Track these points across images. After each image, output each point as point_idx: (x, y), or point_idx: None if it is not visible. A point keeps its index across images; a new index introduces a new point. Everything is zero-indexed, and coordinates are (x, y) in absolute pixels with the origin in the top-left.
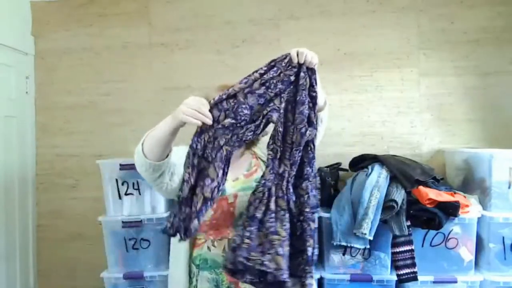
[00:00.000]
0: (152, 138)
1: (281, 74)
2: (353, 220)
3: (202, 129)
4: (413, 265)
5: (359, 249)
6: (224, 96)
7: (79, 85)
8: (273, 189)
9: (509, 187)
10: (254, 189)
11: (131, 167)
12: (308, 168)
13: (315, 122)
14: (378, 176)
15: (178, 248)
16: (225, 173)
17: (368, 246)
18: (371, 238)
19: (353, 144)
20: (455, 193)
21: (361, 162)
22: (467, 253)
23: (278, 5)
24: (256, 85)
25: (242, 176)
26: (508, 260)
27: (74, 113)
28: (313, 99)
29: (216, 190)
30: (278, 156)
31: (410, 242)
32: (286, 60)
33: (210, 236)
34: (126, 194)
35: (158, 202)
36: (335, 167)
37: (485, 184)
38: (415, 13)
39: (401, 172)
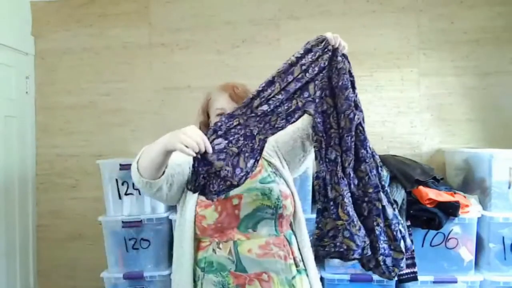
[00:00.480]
0: (146, 158)
1: (319, 58)
2: None
3: (234, 114)
4: (413, 265)
5: None
6: (263, 85)
7: (79, 85)
8: (328, 177)
9: (509, 187)
10: (261, 191)
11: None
12: (363, 150)
13: (359, 105)
14: None
15: (182, 251)
16: (256, 162)
17: None
18: None
19: None
20: (455, 193)
21: None
22: (467, 253)
23: (278, 5)
24: (293, 69)
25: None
26: (508, 260)
27: (74, 113)
28: (352, 83)
29: (243, 178)
30: (323, 146)
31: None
32: (322, 44)
33: (215, 239)
34: (126, 194)
35: (158, 202)
36: None
37: (485, 184)
38: (415, 13)
39: (401, 172)
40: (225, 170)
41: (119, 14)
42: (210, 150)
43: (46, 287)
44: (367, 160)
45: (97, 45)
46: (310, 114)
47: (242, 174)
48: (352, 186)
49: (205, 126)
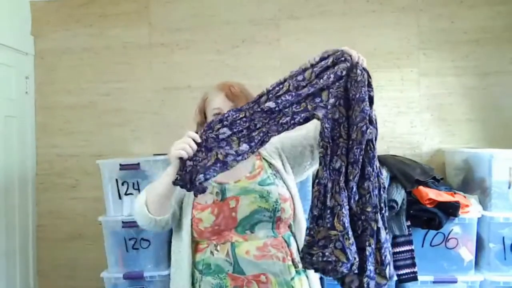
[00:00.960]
0: (153, 194)
1: (335, 66)
2: None
3: (242, 108)
4: (413, 265)
5: None
6: (274, 84)
7: (79, 85)
8: (329, 185)
9: (509, 187)
10: (260, 195)
11: (131, 167)
12: (369, 168)
13: (374, 121)
14: None
15: (180, 255)
16: (250, 152)
17: None
18: None
19: None
20: (455, 193)
21: None
22: (467, 253)
23: (278, 5)
24: (307, 74)
25: (245, 177)
26: (508, 260)
27: (74, 113)
28: (370, 98)
29: (231, 158)
30: (328, 152)
31: (410, 242)
32: (339, 54)
33: (213, 241)
34: (126, 194)
35: None
36: None
37: (485, 184)
38: (415, 13)
39: (401, 172)
40: (220, 153)
41: (119, 14)
42: (198, 140)
43: (46, 287)
44: (371, 179)
45: (97, 45)
46: (318, 118)
47: (231, 157)
48: (352, 201)
49: (202, 126)
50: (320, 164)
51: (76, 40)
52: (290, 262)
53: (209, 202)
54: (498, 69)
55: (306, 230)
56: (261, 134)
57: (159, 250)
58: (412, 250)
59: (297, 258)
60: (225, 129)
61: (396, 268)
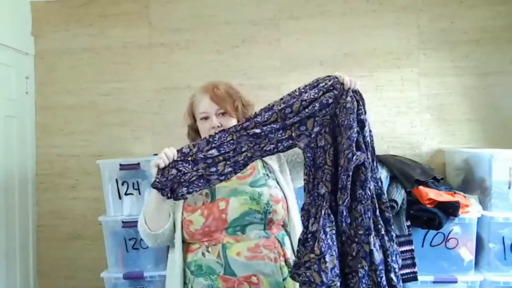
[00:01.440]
0: (148, 211)
1: (322, 96)
2: None
3: (230, 130)
4: (413, 265)
5: None
6: (263, 112)
7: (79, 85)
8: (313, 210)
9: (509, 187)
10: (249, 195)
11: (131, 167)
12: (361, 191)
13: (363, 146)
14: None
15: (173, 256)
16: (233, 174)
17: None
18: None
19: None
20: (455, 193)
21: None
22: (467, 253)
23: (278, 5)
24: (295, 107)
25: (236, 177)
26: (508, 260)
27: (74, 113)
28: (360, 121)
29: (215, 177)
30: (311, 180)
31: (410, 242)
32: (330, 83)
33: (204, 242)
34: (126, 194)
35: None
36: None
37: (485, 184)
38: (415, 13)
39: (401, 172)
40: (205, 172)
41: (119, 14)
42: (175, 157)
43: (46, 287)
44: (363, 202)
45: (97, 45)
46: (300, 148)
47: (215, 176)
48: (344, 224)
49: (192, 129)
50: (304, 190)
51: (76, 40)
52: (283, 263)
53: (198, 204)
54: (498, 69)
55: (296, 252)
56: (245, 159)
57: (159, 250)
58: (412, 250)
59: (291, 257)
60: (213, 150)
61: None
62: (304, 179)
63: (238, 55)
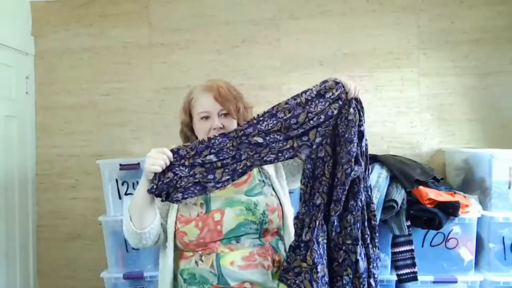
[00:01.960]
0: (135, 207)
1: (327, 107)
2: None
3: (230, 136)
4: (413, 265)
5: None
6: (265, 115)
7: (79, 85)
8: (307, 220)
9: (509, 187)
10: (245, 205)
11: (131, 167)
12: (353, 202)
13: (361, 160)
14: (378, 176)
15: (164, 263)
16: (230, 181)
17: None
18: None
19: None
20: (455, 193)
21: None
22: (467, 253)
23: (278, 5)
24: (300, 118)
25: (231, 184)
26: (508, 260)
27: (74, 113)
28: (360, 132)
29: (211, 184)
30: (308, 190)
31: (410, 242)
32: (337, 93)
33: (198, 251)
34: (126, 194)
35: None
36: None
37: (485, 184)
38: (415, 13)
39: (401, 172)
40: (202, 178)
41: (119, 14)
42: (171, 158)
43: (46, 287)
44: (354, 212)
45: (97, 45)
46: (300, 159)
47: (212, 183)
48: (333, 233)
49: (187, 127)
50: (300, 199)
51: (76, 40)
52: (276, 269)
53: (193, 215)
54: (498, 69)
55: (285, 257)
56: (244, 167)
57: (158, 250)
58: (412, 250)
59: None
60: (211, 156)
61: (396, 268)
62: (301, 189)
63: (238, 55)
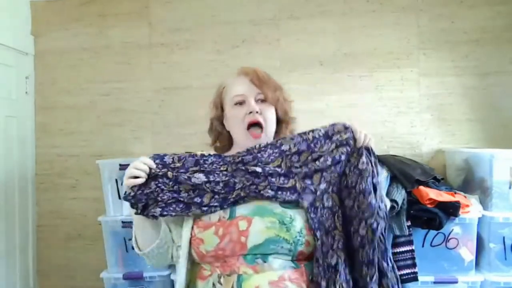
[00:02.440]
0: (136, 228)
1: (334, 151)
2: None
3: (226, 159)
4: (414, 265)
5: None
6: (268, 145)
7: (79, 85)
8: (323, 284)
9: (509, 187)
10: (278, 216)
11: None
12: (384, 263)
13: (380, 212)
14: None
15: (177, 275)
16: (218, 209)
17: None
18: None
19: None
20: (455, 193)
21: None
22: (467, 253)
23: (278, 5)
24: (302, 156)
25: None
26: (509, 260)
27: (74, 113)
28: (374, 185)
29: (196, 206)
30: (318, 246)
31: (410, 242)
32: (345, 136)
33: (217, 269)
34: None
35: None
36: None
37: (485, 184)
38: (415, 13)
39: (401, 172)
40: (185, 193)
41: (119, 14)
42: (152, 166)
43: (46, 287)
44: (388, 275)
45: (97, 44)
46: (303, 207)
47: (197, 206)
48: None
49: (218, 121)
50: (312, 259)
51: (76, 40)
52: None
53: (213, 219)
54: (498, 69)
55: None
56: (237, 198)
57: None
58: (412, 250)
59: None
60: (200, 175)
61: (397, 268)
62: (306, 241)
63: (238, 55)
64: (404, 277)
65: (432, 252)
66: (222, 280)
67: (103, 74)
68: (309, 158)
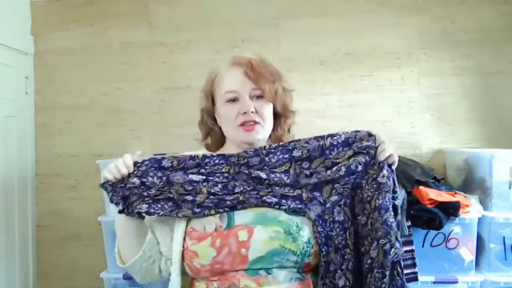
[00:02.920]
0: (118, 237)
1: (350, 158)
2: None
3: (230, 160)
4: (414, 265)
5: None
6: (279, 147)
7: (79, 85)
8: None
9: (509, 187)
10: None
11: None
12: None
13: (398, 237)
14: None
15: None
16: (213, 212)
17: None
18: None
19: None
20: (455, 193)
21: None
22: (467, 253)
23: (278, 5)
24: (314, 163)
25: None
26: (509, 261)
27: (74, 113)
28: (394, 206)
29: (188, 206)
30: (323, 263)
31: (410, 242)
32: (364, 143)
33: (214, 283)
34: None
35: None
36: None
37: (485, 184)
38: (415, 13)
39: (402, 172)
40: (177, 196)
41: (119, 14)
42: (131, 169)
43: (46, 287)
44: None
45: (97, 45)
46: (309, 218)
47: (189, 205)
48: None
49: (208, 114)
50: (317, 276)
51: (76, 40)
52: None
53: (209, 229)
54: (498, 69)
55: None
56: (235, 202)
57: None
58: (412, 251)
59: None
60: (199, 177)
61: None
62: (310, 255)
63: None
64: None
65: (432, 252)
66: None
67: (103, 74)
68: (321, 165)
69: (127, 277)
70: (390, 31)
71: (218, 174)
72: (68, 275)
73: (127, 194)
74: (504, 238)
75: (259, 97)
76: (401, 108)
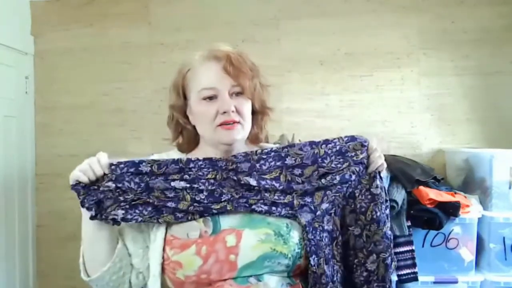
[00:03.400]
0: (83, 243)
1: (345, 169)
2: None
3: (217, 164)
4: (414, 265)
5: None
6: (271, 153)
7: (79, 85)
8: None
9: (509, 187)
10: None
11: None
12: None
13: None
14: None
15: None
16: (197, 217)
17: None
18: None
19: None
20: (455, 193)
21: None
22: (467, 253)
23: (278, 5)
24: (307, 170)
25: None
26: (509, 261)
27: (74, 113)
28: (387, 215)
29: (169, 210)
30: (311, 271)
31: (410, 243)
32: (360, 156)
33: None
34: None
35: None
36: None
37: (485, 184)
38: (415, 13)
39: (402, 172)
40: (157, 200)
41: (119, 14)
42: (106, 170)
43: (46, 287)
44: None
45: (97, 45)
46: (300, 224)
47: (170, 210)
48: None
49: (181, 113)
50: (306, 281)
51: (76, 40)
52: None
53: (193, 236)
54: (498, 69)
55: None
56: (222, 209)
57: None
58: (412, 251)
59: None
60: (182, 183)
61: (397, 268)
62: (300, 264)
63: None
64: (404, 277)
65: (432, 252)
66: None
67: (103, 74)
68: (315, 173)
69: None
70: (390, 31)
71: (203, 181)
72: (68, 275)
73: (101, 198)
74: (504, 238)
75: (238, 94)
76: (401, 108)
